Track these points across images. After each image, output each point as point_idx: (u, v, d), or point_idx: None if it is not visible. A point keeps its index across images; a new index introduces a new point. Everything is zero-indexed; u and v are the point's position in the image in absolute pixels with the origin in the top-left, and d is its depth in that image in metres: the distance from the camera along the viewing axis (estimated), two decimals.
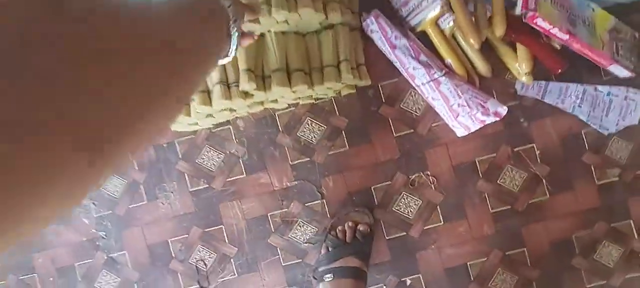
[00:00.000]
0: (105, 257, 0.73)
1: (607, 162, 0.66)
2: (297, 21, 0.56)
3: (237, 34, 0.34)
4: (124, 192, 0.73)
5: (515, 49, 0.62)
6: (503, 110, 0.59)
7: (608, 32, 0.61)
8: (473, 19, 0.59)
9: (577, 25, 0.57)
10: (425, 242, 0.68)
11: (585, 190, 0.66)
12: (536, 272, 0.66)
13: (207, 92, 0.58)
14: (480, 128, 0.62)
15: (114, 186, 0.73)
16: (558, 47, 0.61)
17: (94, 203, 0.73)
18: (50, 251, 0.74)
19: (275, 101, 0.66)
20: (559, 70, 0.61)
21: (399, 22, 0.65)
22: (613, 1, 0.61)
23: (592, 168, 0.66)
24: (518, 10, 0.55)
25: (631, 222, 0.66)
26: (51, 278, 0.74)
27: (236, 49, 0.35)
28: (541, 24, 0.54)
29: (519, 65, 0.62)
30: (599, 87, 0.65)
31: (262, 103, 0.66)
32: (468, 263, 0.67)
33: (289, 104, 0.69)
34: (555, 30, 0.55)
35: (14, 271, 0.75)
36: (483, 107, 0.59)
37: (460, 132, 0.64)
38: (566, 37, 0.56)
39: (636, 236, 0.66)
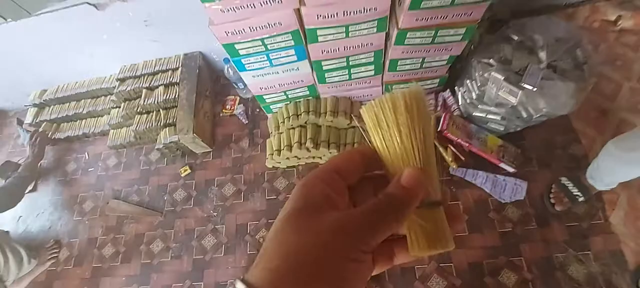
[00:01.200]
0: (212, 227, 1.32)
1: (505, 218, 1.12)
2: (336, 122, 1.23)
3: None
4: (233, 194, 1.36)
5: (446, 150, 1.19)
6: None
7: (498, 146, 1.17)
8: None
9: (472, 139, 1.14)
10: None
11: (490, 234, 1.10)
12: (459, 281, 1.07)
13: (290, 146, 1.24)
14: None
15: (228, 189, 1.37)
16: (467, 150, 1.18)
17: (216, 196, 1.36)
18: (184, 219, 1.36)
19: (320, 158, 1.29)
20: (462, 159, 1.16)
21: None
22: (499, 133, 1.18)
23: (495, 221, 1.12)
24: (439, 128, 1.15)
25: (522, 259, 1.06)
26: (180, 234, 1.34)
27: None
28: (450, 136, 1.13)
29: (449, 158, 1.18)
30: (498, 175, 1.17)
31: (313, 157, 1.29)
32: (415, 267, 1.11)
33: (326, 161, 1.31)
34: (458, 140, 1.13)
35: (162, 227, 1.36)
36: None
37: None
38: (466, 144, 1.13)
39: (526, 268, 1.05)
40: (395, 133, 0.26)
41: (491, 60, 1.02)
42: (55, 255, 1.39)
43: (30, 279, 1.35)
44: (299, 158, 1.29)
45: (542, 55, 0.97)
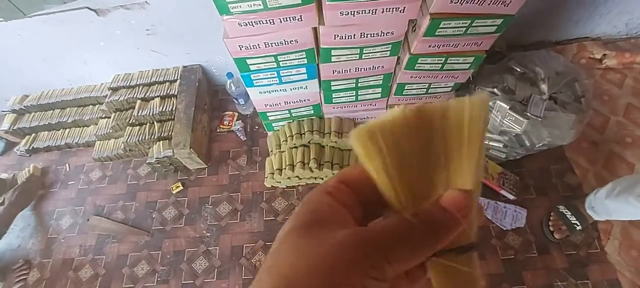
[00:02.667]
0: (204, 249, 1.24)
1: (506, 246, 1.12)
2: (340, 143, 1.22)
3: None
4: (228, 213, 1.29)
5: None
6: None
7: (498, 173, 1.19)
8: None
9: None
10: None
11: (493, 261, 1.10)
12: None
13: (292, 166, 1.20)
14: None
15: (223, 208, 1.30)
16: None
17: (210, 215, 1.29)
18: (174, 239, 1.27)
19: (322, 178, 1.26)
20: None
21: None
22: (499, 160, 1.21)
23: (497, 248, 1.12)
24: None
25: (525, 286, 1.06)
26: (168, 256, 1.24)
27: None
28: None
29: None
30: (499, 202, 1.18)
31: (315, 178, 1.26)
32: None
33: None
34: None
35: (148, 248, 1.27)
36: None
37: None
38: None
39: None
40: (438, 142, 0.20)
41: (495, 90, 1.06)
42: (24, 277, 1.25)
43: None
44: (300, 179, 1.26)
45: (544, 87, 1.01)
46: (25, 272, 1.26)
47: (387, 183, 0.21)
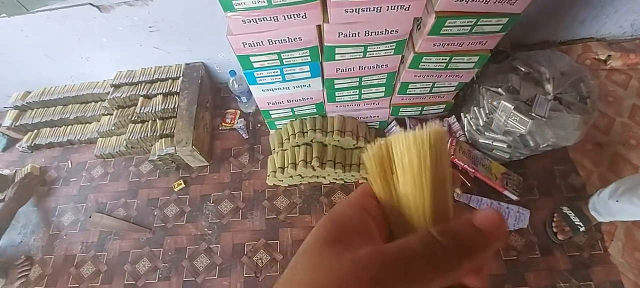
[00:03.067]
0: (206, 246, 1.24)
1: (509, 246, 1.11)
2: (342, 142, 1.21)
3: None
4: (230, 211, 1.29)
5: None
6: None
7: (501, 173, 1.18)
8: None
9: (478, 166, 1.15)
10: None
11: (495, 262, 1.09)
12: None
13: (294, 164, 1.20)
14: None
15: (225, 205, 1.30)
16: (473, 176, 1.18)
17: (211, 213, 1.29)
18: (175, 237, 1.27)
19: (324, 177, 1.25)
20: (468, 185, 1.16)
21: None
22: (503, 160, 1.20)
23: (500, 249, 1.11)
24: None
25: (527, 287, 1.05)
26: (170, 253, 1.24)
27: None
28: (457, 161, 1.14)
29: None
30: (502, 203, 1.17)
31: (317, 177, 1.26)
32: None
33: (330, 181, 1.28)
34: (465, 166, 1.13)
35: (150, 245, 1.27)
36: None
37: None
38: (472, 170, 1.14)
39: None
40: (422, 179, 0.20)
41: (499, 89, 1.05)
42: (26, 273, 1.25)
43: None
44: (302, 177, 1.25)
45: (549, 87, 1.01)
46: (27, 268, 1.26)
47: (408, 199, 0.20)
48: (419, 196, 0.20)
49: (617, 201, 0.94)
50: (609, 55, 1.36)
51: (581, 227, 1.08)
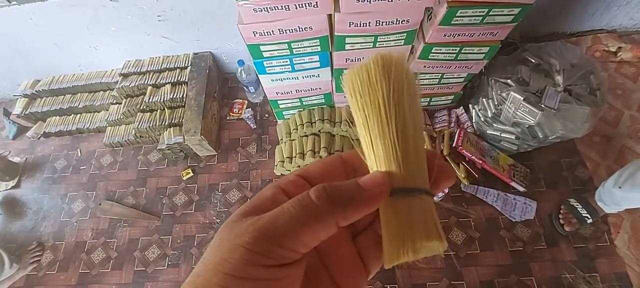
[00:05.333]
0: (214, 235, 1.25)
1: (515, 237, 1.12)
2: (350, 133, 1.22)
3: None
4: (238, 200, 1.31)
5: (459, 166, 1.20)
6: (445, 189, 1.14)
7: (508, 165, 1.18)
8: (439, 146, 1.21)
9: (486, 157, 1.15)
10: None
11: (502, 252, 1.11)
12: None
13: (302, 154, 1.21)
14: (440, 201, 1.15)
15: (233, 195, 1.31)
16: (480, 167, 1.19)
17: (219, 202, 1.31)
18: (184, 225, 1.29)
19: None
20: (475, 176, 1.17)
21: None
22: (510, 152, 1.20)
23: (506, 240, 1.12)
24: (454, 143, 1.16)
25: (533, 279, 1.07)
26: (178, 241, 1.26)
27: None
28: (465, 152, 1.14)
29: (461, 174, 1.19)
30: (508, 194, 1.18)
31: None
32: (427, 284, 1.09)
33: None
34: (472, 157, 1.14)
35: (159, 232, 1.29)
36: None
37: None
38: (480, 161, 1.14)
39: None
40: (377, 110, 0.20)
41: (509, 80, 1.05)
42: (38, 258, 1.28)
43: (8, 285, 1.23)
44: None
45: (559, 79, 1.00)
46: (39, 253, 1.29)
47: (365, 134, 0.21)
48: (381, 139, 0.20)
49: (620, 188, 0.95)
50: (620, 47, 1.35)
51: (588, 218, 1.09)
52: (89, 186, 1.42)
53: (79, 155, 1.50)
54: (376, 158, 0.21)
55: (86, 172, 1.46)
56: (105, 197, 1.39)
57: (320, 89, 1.15)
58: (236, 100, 1.50)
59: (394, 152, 0.20)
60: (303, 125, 1.22)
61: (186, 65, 1.41)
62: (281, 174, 1.30)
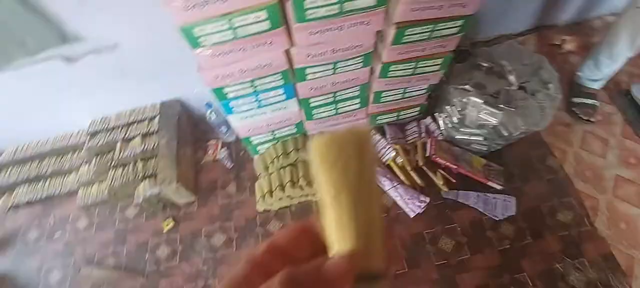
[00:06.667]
0: (203, 283, 1.21)
1: (501, 236, 1.14)
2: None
3: None
4: (223, 243, 1.27)
5: (436, 175, 1.22)
6: (426, 199, 1.15)
7: (483, 166, 1.21)
8: (414, 158, 1.23)
9: (460, 161, 1.18)
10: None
11: (491, 253, 1.11)
12: None
13: (282, 186, 1.20)
14: (423, 212, 1.16)
15: (218, 238, 1.28)
16: (456, 172, 1.21)
17: (204, 249, 1.26)
18: (171, 278, 1.23)
19: (313, 195, 1.26)
20: (453, 182, 1.19)
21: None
22: (482, 153, 1.24)
23: (493, 240, 1.13)
24: (428, 153, 1.18)
25: (525, 274, 1.07)
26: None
27: None
28: (439, 160, 1.17)
29: (439, 182, 1.21)
30: (488, 194, 1.20)
31: (307, 196, 1.26)
32: None
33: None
34: (447, 164, 1.16)
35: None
36: (418, 198, 1.15)
37: (412, 213, 1.18)
38: (455, 167, 1.17)
39: (531, 284, 1.06)
40: (348, 188, 0.21)
41: (467, 86, 1.10)
42: None
43: None
44: (292, 198, 1.25)
45: (512, 78, 1.06)
46: None
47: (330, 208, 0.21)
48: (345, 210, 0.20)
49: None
50: (563, 40, 1.44)
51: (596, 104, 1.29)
52: (66, 253, 1.35)
53: (52, 223, 1.43)
54: (343, 236, 0.21)
55: (61, 239, 1.39)
56: (85, 262, 1.32)
57: (290, 119, 1.16)
58: (210, 142, 1.49)
59: (364, 231, 0.20)
60: (279, 157, 1.22)
61: (155, 114, 1.40)
62: (264, 210, 1.29)
